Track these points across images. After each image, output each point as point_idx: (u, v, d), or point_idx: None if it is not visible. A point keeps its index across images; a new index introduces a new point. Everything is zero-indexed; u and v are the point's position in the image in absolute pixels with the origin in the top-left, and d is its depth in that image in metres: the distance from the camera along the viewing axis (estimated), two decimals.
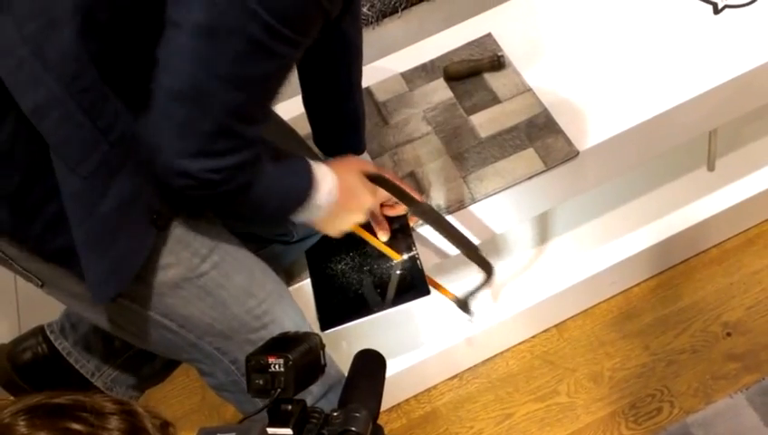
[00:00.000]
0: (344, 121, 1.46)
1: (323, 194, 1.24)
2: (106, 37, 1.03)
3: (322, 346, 0.98)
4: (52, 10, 0.99)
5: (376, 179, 1.37)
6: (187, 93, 1.03)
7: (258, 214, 1.27)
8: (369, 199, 1.35)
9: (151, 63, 1.05)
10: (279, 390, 0.89)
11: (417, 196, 1.44)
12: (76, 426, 0.63)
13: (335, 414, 0.91)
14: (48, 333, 1.57)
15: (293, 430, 0.88)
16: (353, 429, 0.89)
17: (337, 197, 1.26)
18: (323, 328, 1.43)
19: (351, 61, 1.40)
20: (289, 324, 1.33)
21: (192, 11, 0.99)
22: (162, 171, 1.08)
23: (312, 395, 1.32)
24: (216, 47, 1.00)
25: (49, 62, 1.00)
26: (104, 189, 1.06)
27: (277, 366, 0.89)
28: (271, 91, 1.11)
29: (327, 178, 1.25)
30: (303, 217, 1.25)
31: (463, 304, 1.62)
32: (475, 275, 1.58)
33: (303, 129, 1.56)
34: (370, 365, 1.03)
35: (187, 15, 0.99)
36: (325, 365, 0.98)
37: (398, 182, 1.43)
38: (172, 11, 1.01)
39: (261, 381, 0.90)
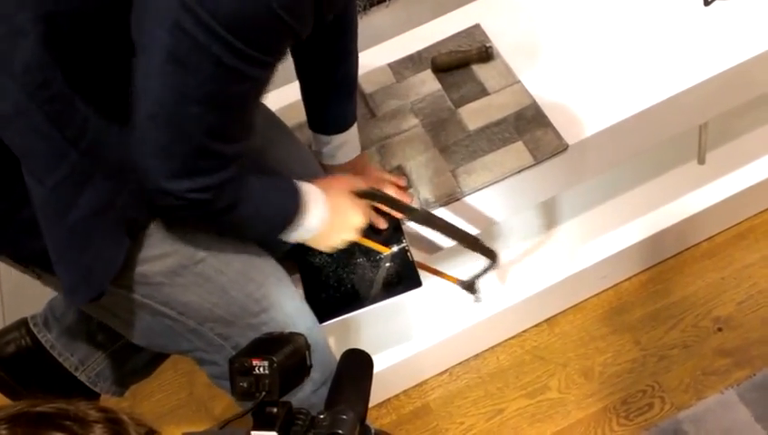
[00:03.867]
0: (334, 89, 1.43)
1: (313, 216, 1.24)
2: (70, 44, 1.01)
3: (308, 347, 0.97)
4: (13, 19, 0.98)
5: (366, 196, 1.37)
6: (162, 118, 1.02)
7: (247, 233, 1.27)
8: (358, 219, 1.34)
9: (120, 68, 1.04)
10: (264, 393, 0.88)
11: (410, 202, 1.44)
12: None
13: (321, 417, 0.90)
14: (32, 325, 1.56)
15: (279, 433, 0.86)
16: (340, 432, 0.87)
17: (327, 218, 1.26)
18: (321, 321, 1.40)
19: (345, 29, 1.36)
20: (289, 308, 1.32)
21: (159, 37, 0.97)
22: (150, 193, 1.09)
23: (312, 381, 1.32)
24: (186, 72, 0.99)
25: (12, 72, 0.98)
26: (72, 199, 1.06)
27: (261, 369, 0.88)
28: (247, 109, 1.10)
29: (316, 200, 1.25)
30: (294, 237, 1.26)
31: (469, 287, 1.59)
32: (475, 258, 1.56)
33: (294, 118, 1.55)
34: (357, 365, 1.02)
35: (154, 41, 0.98)
36: (311, 366, 0.97)
37: (392, 189, 1.44)
38: (139, 35, 1.00)
39: (245, 384, 0.89)
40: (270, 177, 1.23)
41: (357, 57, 1.43)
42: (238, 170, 1.11)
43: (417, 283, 1.43)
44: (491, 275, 1.70)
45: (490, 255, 1.51)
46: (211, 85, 1.00)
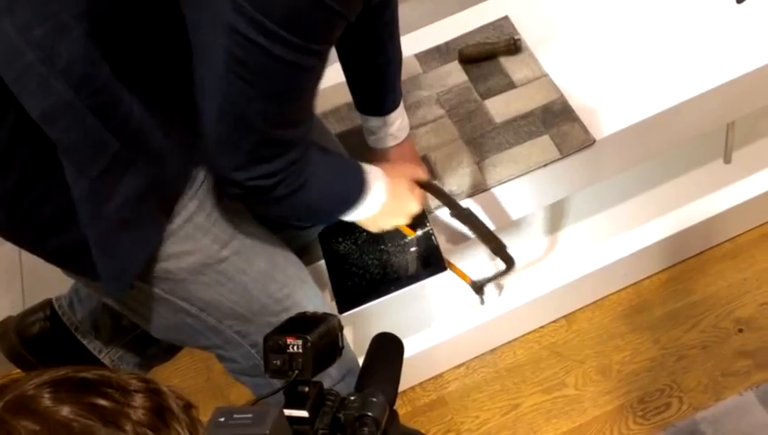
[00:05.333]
0: (363, 75, 1.43)
1: (373, 198, 1.26)
2: (115, 37, 1.01)
3: (341, 328, 0.97)
4: (58, 14, 0.97)
5: (425, 186, 1.39)
6: (227, 114, 1.04)
7: (312, 216, 1.30)
8: (414, 206, 1.36)
9: (165, 57, 1.05)
10: (297, 371, 0.88)
11: (422, 171, 1.45)
12: (102, 401, 0.62)
13: (352, 398, 0.90)
14: (56, 307, 1.56)
15: (309, 413, 0.86)
16: (370, 414, 0.87)
17: (385, 201, 1.28)
18: (341, 310, 1.41)
19: (374, 18, 1.35)
20: (310, 308, 1.31)
21: (217, 40, 0.97)
22: (220, 184, 1.14)
23: (330, 378, 1.32)
24: (248, 73, 1.00)
25: (57, 67, 0.98)
26: (113, 188, 1.06)
27: (295, 347, 0.88)
28: (308, 96, 1.11)
29: (378, 182, 1.27)
30: (351, 217, 1.28)
31: (478, 289, 1.61)
32: (487, 258, 1.56)
33: (320, 107, 1.54)
34: (388, 349, 1.02)
35: (213, 44, 0.98)
36: (343, 347, 0.97)
37: (409, 156, 1.46)
38: (195, 35, 1.00)
39: (278, 362, 0.88)
40: (335, 158, 1.26)
41: (393, 48, 1.42)
42: (301, 154, 1.12)
43: (442, 267, 1.43)
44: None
45: (509, 262, 1.52)
46: (274, 82, 1.02)
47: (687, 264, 1.87)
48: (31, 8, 0.98)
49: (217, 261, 1.22)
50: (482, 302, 1.65)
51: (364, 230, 1.45)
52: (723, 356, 1.73)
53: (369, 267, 1.44)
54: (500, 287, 1.71)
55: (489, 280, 1.60)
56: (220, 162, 1.08)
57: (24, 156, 1.06)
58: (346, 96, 1.49)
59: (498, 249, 1.49)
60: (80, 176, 1.04)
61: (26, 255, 1.23)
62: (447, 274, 1.52)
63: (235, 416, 0.71)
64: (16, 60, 0.97)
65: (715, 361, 1.72)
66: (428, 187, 1.41)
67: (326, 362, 0.92)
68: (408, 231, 1.43)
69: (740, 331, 1.76)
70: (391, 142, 1.47)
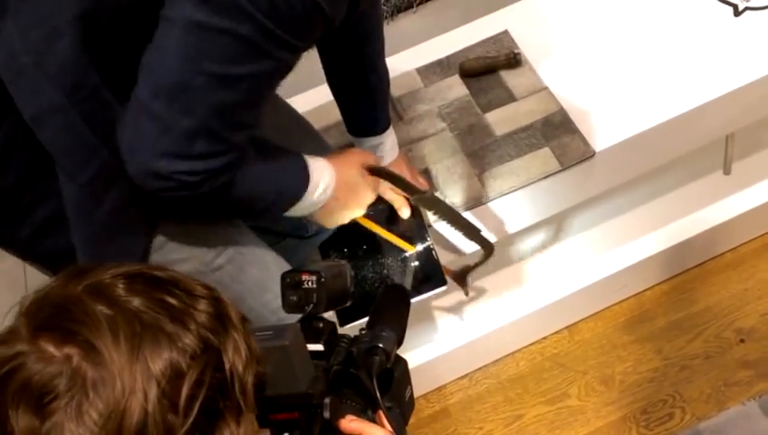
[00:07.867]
0: (358, 96, 1.41)
1: (319, 190, 1.20)
2: (107, 44, 1.01)
3: (351, 273, 1.00)
4: (53, 18, 0.98)
5: (377, 172, 1.33)
6: (169, 89, 0.98)
7: (247, 212, 1.23)
8: (368, 194, 1.31)
9: None
10: (311, 305, 0.92)
11: (419, 185, 1.42)
12: (170, 299, 0.65)
13: (363, 333, 0.95)
14: None
15: (325, 347, 0.90)
16: (380, 345, 0.92)
17: (334, 192, 1.22)
18: (342, 323, 1.41)
19: (365, 38, 1.35)
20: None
21: (184, 7, 0.95)
22: (136, 173, 1.02)
23: None
24: (204, 43, 0.95)
25: (49, 72, 0.99)
26: (101, 196, 1.07)
27: (310, 283, 0.92)
28: (260, 94, 1.05)
29: (323, 174, 1.21)
30: (299, 212, 1.22)
31: (460, 279, 1.54)
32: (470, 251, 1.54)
33: (322, 121, 1.55)
34: (397, 298, 1.07)
35: (179, 11, 0.96)
36: (353, 292, 1.00)
37: (404, 170, 1.43)
38: (167, 8, 0.98)
39: (295, 298, 0.93)
40: (272, 152, 1.18)
41: (383, 65, 1.41)
42: (235, 159, 1.06)
43: (442, 281, 1.43)
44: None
45: (487, 247, 1.47)
46: (229, 60, 0.97)
47: (689, 274, 1.88)
48: (32, 10, 0.99)
49: (211, 269, 1.22)
50: (466, 293, 1.58)
51: (365, 243, 1.46)
52: (725, 366, 1.73)
53: (370, 281, 1.44)
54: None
55: (471, 268, 1.52)
56: (148, 147, 1.00)
57: (22, 157, 1.07)
58: None
59: (472, 234, 1.44)
60: (68, 181, 1.05)
61: (31, 273, 1.24)
62: (449, 286, 1.53)
63: (256, 334, 0.75)
64: (15, 61, 0.99)
65: (717, 371, 1.73)
66: (381, 172, 1.34)
67: (338, 301, 0.96)
68: (407, 245, 1.43)
69: (742, 341, 1.76)
70: (387, 161, 1.46)
